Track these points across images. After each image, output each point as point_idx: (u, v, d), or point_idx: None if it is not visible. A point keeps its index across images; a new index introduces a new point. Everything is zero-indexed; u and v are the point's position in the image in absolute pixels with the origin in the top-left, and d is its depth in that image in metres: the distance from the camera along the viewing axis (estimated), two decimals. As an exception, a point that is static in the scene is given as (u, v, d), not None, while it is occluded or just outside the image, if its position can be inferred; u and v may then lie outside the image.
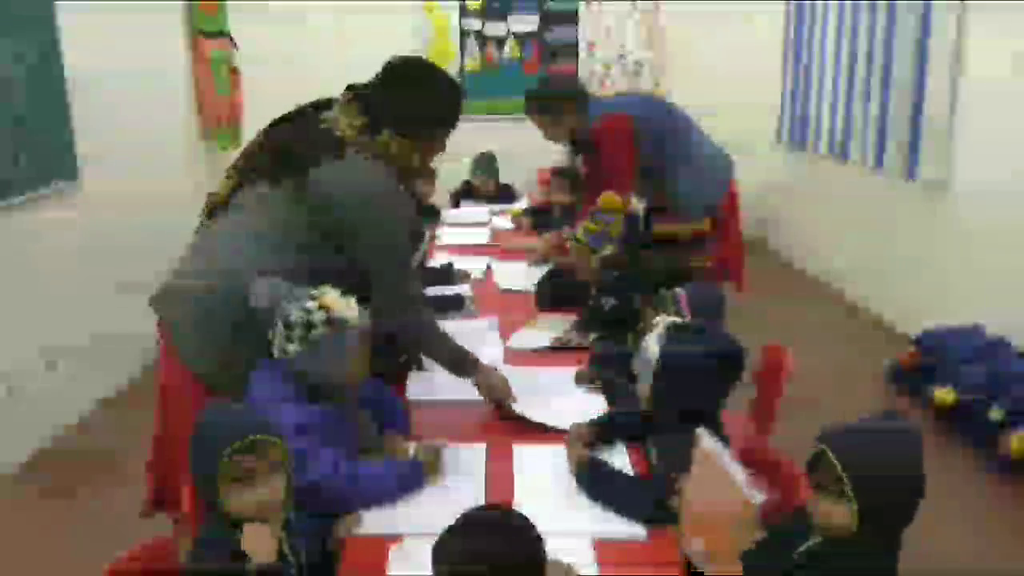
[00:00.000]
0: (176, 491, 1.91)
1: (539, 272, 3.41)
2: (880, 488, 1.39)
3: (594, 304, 2.84)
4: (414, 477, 1.86)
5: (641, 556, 1.64)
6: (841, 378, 4.12)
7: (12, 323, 3.48)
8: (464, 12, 6.71)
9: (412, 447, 2.00)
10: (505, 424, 2.18)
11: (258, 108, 2.79)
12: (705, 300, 2.30)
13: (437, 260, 3.73)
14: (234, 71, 5.66)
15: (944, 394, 3.65)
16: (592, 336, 2.71)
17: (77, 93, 3.87)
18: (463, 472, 1.93)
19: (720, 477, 1.51)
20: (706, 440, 1.60)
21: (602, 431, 2.04)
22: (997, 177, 3.93)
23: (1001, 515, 3.12)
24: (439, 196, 4.99)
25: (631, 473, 1.91)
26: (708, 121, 3.80)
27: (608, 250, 2.90)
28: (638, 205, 3.78)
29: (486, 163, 5.27)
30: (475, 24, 6.75)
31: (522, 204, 4.96)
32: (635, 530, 1.70)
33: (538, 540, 1.33)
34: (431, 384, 2.41)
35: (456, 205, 5.21)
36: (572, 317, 2.87)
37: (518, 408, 2.19)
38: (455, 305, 3.06)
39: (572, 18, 6.79)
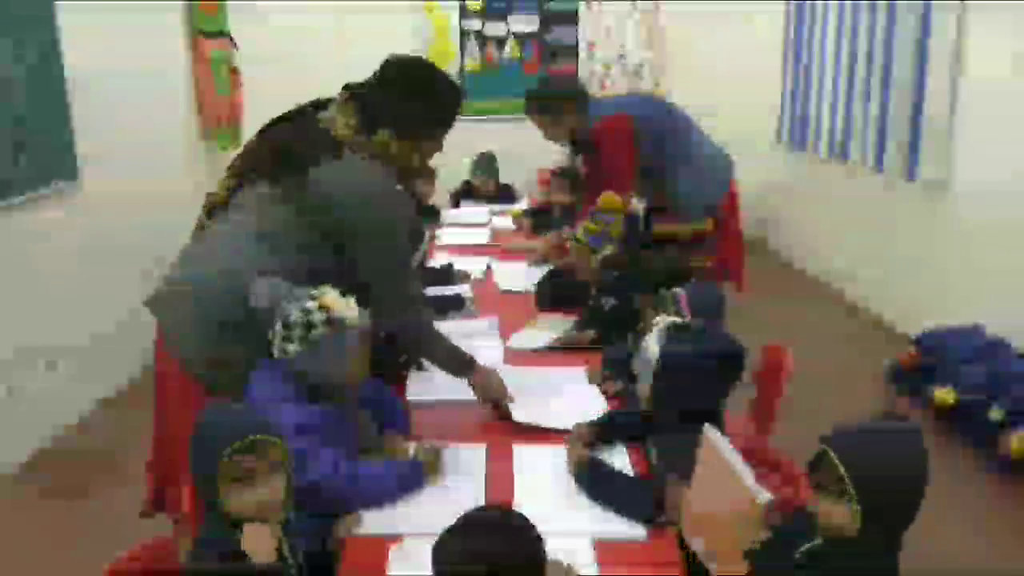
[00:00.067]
0: (176, 491, 1.91)
1: (539, 272, 3.41)
2: (882, 489, 1.39)
3: (594, 304, 2.84)
4: (414, 477, 1.86)
5: (641, 556, 1.65)
6: (841, 378, 4.11)
7: (12, 323, 3.48)
8: (464, 12, 6.71)
9: (412, 447, 2.00)
10: (505, 424, 2.17)
11: (258, 108, 2.79)
12: (705, 300, 2.30)
13: (437, 260, 3.73)
14: (234, 71, 5.66)
15: (944, 394, 3.65)
16: (591, 334, 2.71)
17: (77, 93, 3.87)
18: (463, 472, 1.93)
19: (726, 474, 1.50)
20: (713, 435, 1.59)
21: (602, 431, 2.04)
22: (997, 177, 3.93)
23: (1001, 515, 3.11)
24: (439, 196, 4.99)
25: (631, 473, 1.91)
26: (708, 121, 3.81)
27: (608, 250, 2.90)
28: (638, 205, 3.78)
29: (486, 163, 5.27)
30: (475, 24, 6.75)
31: (522, 204, 4.96)
32: (635, 530, 1.70)
33: (538, 540, 1.33)
34: (431, 384, 2.41)
35: (456, 205, 5.21)
36: (572, 317, 2.87)
37: (515, 411, 2.18)
38: (455, 305, 3.06)
39: (572, 18, 6.79)
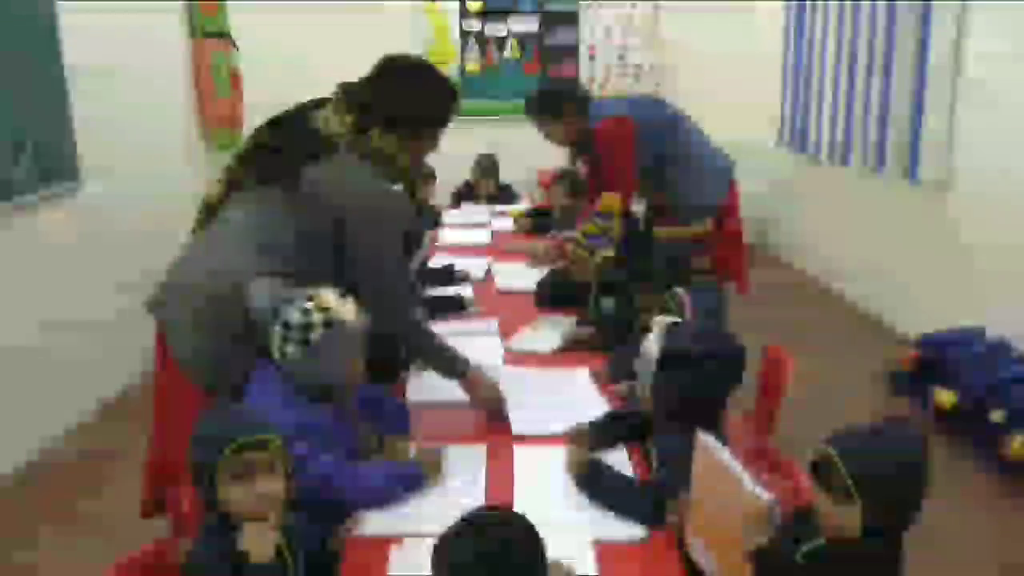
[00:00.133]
0: (175, 491, 1.91)
1: (539, 273, 3.40)
2: (885, 491, 1.39)
3: (594, 304, 2.84)
4: (414, 478, 1.86)
5: (641, 556, 1.64)
6: (841, 379, 4.11)
7: (12, 323, 3.48)
8: (464, 13, 6.72)
9: (412, 448, 1.99)
10: (505, 424, 2.17)
11: (258, 108, 2.79)
12: (705, 300, 2.30)
13: (437, 261, 3.72)
14: (234, 72, 5.66)
15: (945, 396, 3.65)
16: (592, 331, 2.71)
17: (77, 94, 3.87)
18: (463, 472, 1.92)
19: (724, 479, 1.50)
20: (706, 441, 1.59)
21: (602, 432, 2.04)
22: (997, 177, 3.92)
23: (1002, 516, 3.11)
24: (439, 196, 4.99)
25: (631, 474, 1.90)
26: (708, 122, 3.80)
27: (608, 251, 2.90)
28: (639, 206, 3.78)
29: (486, 163, 5.27)
30: (475, 25, 6.75)
31: (522, 205, 4.96)
32: (635, 530, 1.70)
33: (538, 540, 1.33)
34: (431, 385, 2.40)
35: (456, 205, 5.21)
36: (572, 317, 2.87)
37: (514, 423, 2.15)
38: (455, 306, 3.06)
39: (572, 19, 6.79)
